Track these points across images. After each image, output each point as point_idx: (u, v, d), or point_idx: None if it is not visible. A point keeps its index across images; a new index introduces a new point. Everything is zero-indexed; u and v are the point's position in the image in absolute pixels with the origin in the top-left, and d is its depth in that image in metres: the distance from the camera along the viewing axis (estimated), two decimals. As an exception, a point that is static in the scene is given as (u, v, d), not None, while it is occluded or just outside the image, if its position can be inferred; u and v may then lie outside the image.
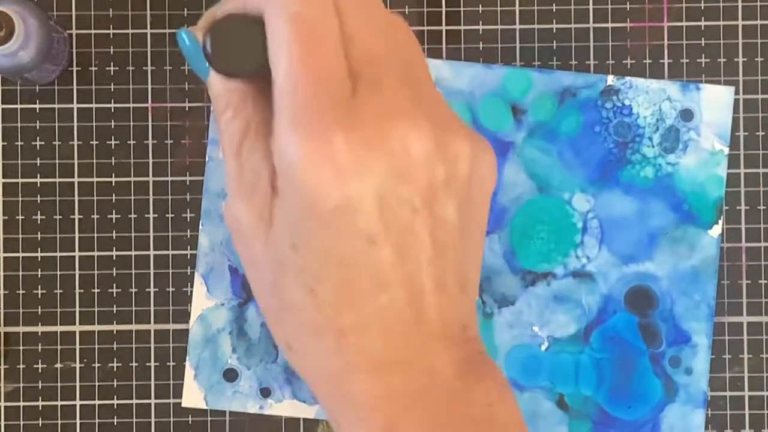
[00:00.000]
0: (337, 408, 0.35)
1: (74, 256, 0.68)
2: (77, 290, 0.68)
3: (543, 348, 0.67)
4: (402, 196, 0.32)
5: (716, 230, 0.68)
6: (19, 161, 0.68)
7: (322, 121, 0.32)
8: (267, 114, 0.35)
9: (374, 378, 0.33)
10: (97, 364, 0.68)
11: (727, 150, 0.68)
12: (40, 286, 0.68)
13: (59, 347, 0.67)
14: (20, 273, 0.68)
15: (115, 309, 0.68)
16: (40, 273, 0.68)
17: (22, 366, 0.67)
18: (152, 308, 0.68)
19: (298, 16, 0.33)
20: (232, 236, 0.36)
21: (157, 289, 0.68)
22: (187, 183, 0.68)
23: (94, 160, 0.68)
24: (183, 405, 0.67)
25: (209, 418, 0.67)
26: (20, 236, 0.68)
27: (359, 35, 0.34)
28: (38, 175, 0.68)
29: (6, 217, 0.68)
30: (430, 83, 0.35)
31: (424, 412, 0.33)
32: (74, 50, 0.68)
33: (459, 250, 0.34)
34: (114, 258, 0.68)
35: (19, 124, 0.68)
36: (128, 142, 0.68)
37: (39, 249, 0.68)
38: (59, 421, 0.67)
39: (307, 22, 0.33)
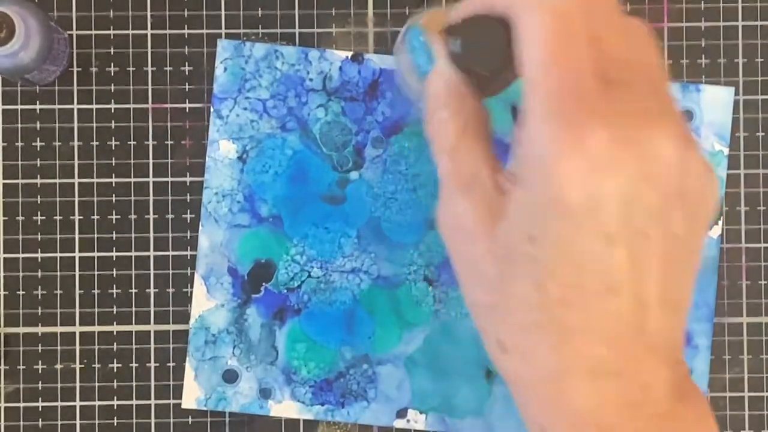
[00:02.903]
0: (545, 412, 0.34)
1: (74, 257, 0.68)
2: (77, 291, 0.68)
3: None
4: (645, 199, 0.32)
5: (716, 231, 0.68)
6: (20, 162, 0.68)
7: (577, 113, 0.31)
8: (481, 116, 0.36)
9: (591, 385, 0.32)
10: (97, 365, 0.68)
11: (727, 151, 0.68)
12: (40, 287, 0.68)
13: (59, 348, 0.67)
14: (20, 274, 0.68)
15: (115, 310, 0.68)
16: (40, 274, 0.68)
17: (22, 367, 0.67)
18: (152, 309, 0.68)
19: (550, 6, 0.33)
20: (448, 236, 0.35)
21: (157, 290, 0.68)
22: (187, 184, 0.68)
23: (95, 161, 0.68)
24: (183, 406, 0.67)
25: (209, 419, 0.67)
26: (20, 237, 0.68)
27: (606, 36, 0.34)
28: (38, 176, 0.68)
29: (6, 218, 0.68)
30: (669, 89, 0.35)
31: (634, 428, 0.33)
32: (75, 51, 0.68)
33: (681, 267, 0.33)
34: (114, 259, 0.68)
35: (19, 125, 0.68)
36: (128, 142, 0.68)
37: (39, 250, 0.68)
38: (59, 422, 0.67)
39: (562, 16, 0.33)
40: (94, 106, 0.68)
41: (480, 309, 0.36)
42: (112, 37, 0.68)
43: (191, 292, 0.68)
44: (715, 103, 0.68)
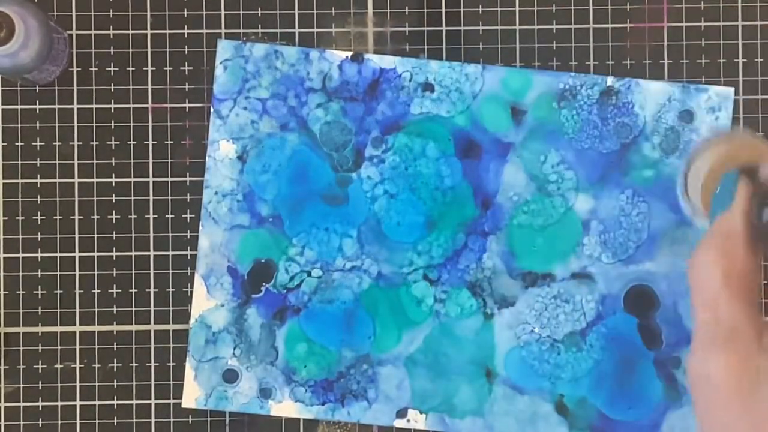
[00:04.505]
0: None
1: (74, 257, 0.68)
2: (77, 291, 0.68)
3: (543, 349, 0.67)
4: None
5: (716, 231, 0.68)
6: (20, 162, 0.68)
7: None
8: (751, 273, 0.34)
9: None
10: (97, 365, 0.68)
11: (727, 151, 0.68)
12: (40, 287, 0.68)
13: (59, 348, 0.67)
14: (20, 273, 0.68)
15: (115, 309, 0.68)
16: (40, 273, 0.68)
17: (22, 366, 0.67)
18: (152, 309, 0.68)
19: None
20: (699, 389, 0.33)
21: (157, 290, 0.68)
22: (187, 184, 0.68)
23: (95, 161, 0.68)
24: (183, 405, 0.67)
25: (209, 419, 0.67)
26: (20, 237, 0.68)
27: None
28: (38, 176, 0.68)
29: (6, 218, 0.68)
30: None
31: None
32: (74, 51, 0.68)
33: None
34: (114, 258, 0.68)
35: (19, 125, 0.68)
36: (128, 142, 0.68)
37: (39, 249, 0.68)
38: (59, 422, 0.67)
39: None
40: (94, 106, 0.68)
41: None
42: (111, 36, 0.68)
43: (191, 292, 0.68)
44: (715, 103, 0.68)
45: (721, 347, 0.33)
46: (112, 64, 0.68)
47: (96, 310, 0.68)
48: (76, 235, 0.68)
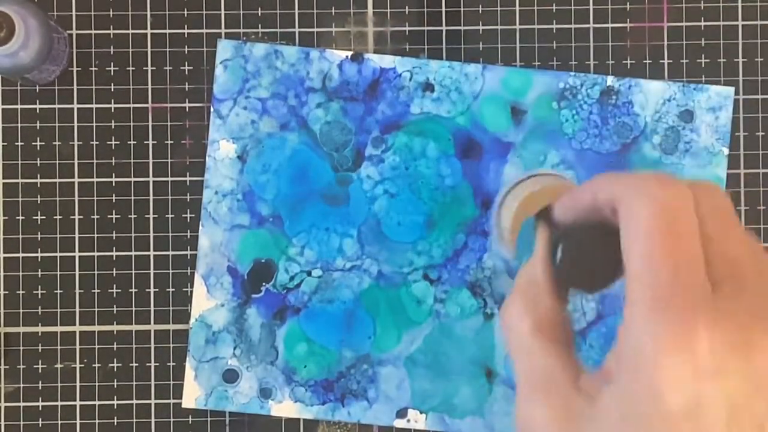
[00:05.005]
0: None
1: (74, 257, 0.68)
2: (77, 291, 0.68)
3: (543, 348, 0.67)
4: (753, 409, 0.30)
5: (716, 231, 0.68)
6: (20, 161, 0.68)
7: (685, 313, 0.30)
8: (559, 317, 0.35)
9: None
10: (97, 365, 0.68)
11: (726, 150, 0.68)
12: (40, 287, 0.68)
13: (59, 347, 0.67)
14: (20, 273, 0.68)
15: (115, 309, 0.68)
16: (40, 273, 0.68)
17: (22, 366, 0.67)
18: (152, 309, 0.68)
19: (659, 200, 0.32)
20: None
21: (157, 290, 0.68)
22: (187, 183, 0.68)
23: (95, 161, 0.68)
24: (183, 405, 0.67)
25: (209, 419, 0.67)
26: (20, 237, 0.68)
27: (718, 238, 0.33)
28: (38, 176, 0.68)
29: (6, 218, 0.68)
30: None
31: None
32: (74, 50, 0.68)
33: None
34: (114, 258, 0.68)
35: (19, 125, 0.68)
36: (128, 142, 0.68)
37: (39, 249, 0.68)
38: (59, 422, 0.67)
39: (670, 208, 0.32)
40: (94, 106, 0.68)
41: None
42: (111, 36, 0.68)
43: (191, 292, 0.68)
44: (715, 103, 0.68)
45: (540, 394, 0.34)
46: (112, 64, 0.68)
47: (96, 310, 0.68)
48: (76, 235, 0.68)
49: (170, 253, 0.68)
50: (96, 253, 0.68)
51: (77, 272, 0.68)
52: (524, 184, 0.60)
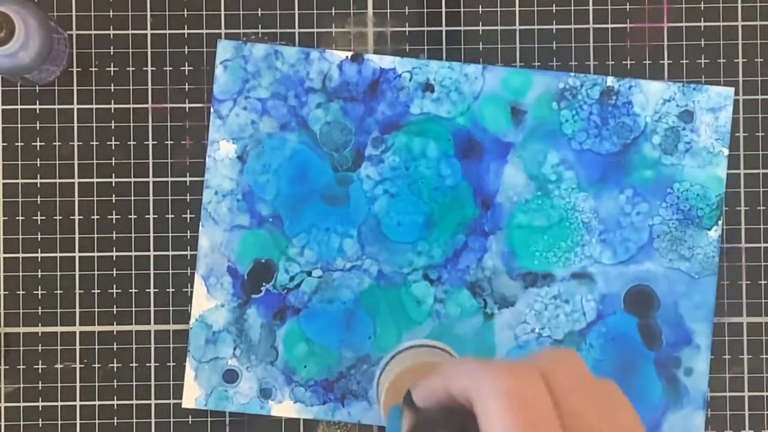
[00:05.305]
0: None
1: (74, 257, 0.68)
2: (77, 291, 0.68)
3: (543, 348, 0.67)
4: None
5: (716, 231, 0.68)
6: (20, 162, 0.68)
7: None
8: None
9: None
10: (97, 365, 0.68)
11: (726, 151, 0.68)
12: (40, 287, 0.68)
13: (59, 348, 0.67)
14: (20, 274, 0.68)
15: (115, 310, 0.68)
16: (40, 274, 0.68)
17: (22, 366, 0.67)
18: (152, 309, 0.68)
19: (511, 391, 0.33)
20: None
21: (157, 290, 0.68)
22: (187, 184, 0.68)
23: (95, 161, 0.68)
24: (183, 406, 0.67)
25: (209, 419, 0.67)
26: (20, 237, 0.68)
27: (575, 410, 0.34)
28: (38, 176, 0.68)
29: (6, 218, 0.68)
30: None
31: None
32: (74, 51, 0.68)
33: None
34: (114, 259, 0.68)
35: (19, 125, 0.68)
36: (128, 142, 0.68)
37: (39, 250, 0.68)
38: (59, 422, 0.67)
39: (521, 397, 0.33)
40: (94, 106, 0.68)
41: None
42: (111, 37, 0.68)
43: (191, 292, 0.68)
44: (715, 104, 0.68)
45: None
46: (112, 64, 0.68)
47: (96, 310, 0.68)
48: (76, 235, 0.68)
49: (170, 253, 0.68)
50: (96, 254, 0.68)
51: (77, 272, 0.68)
52: (403, 355, 0.61)
